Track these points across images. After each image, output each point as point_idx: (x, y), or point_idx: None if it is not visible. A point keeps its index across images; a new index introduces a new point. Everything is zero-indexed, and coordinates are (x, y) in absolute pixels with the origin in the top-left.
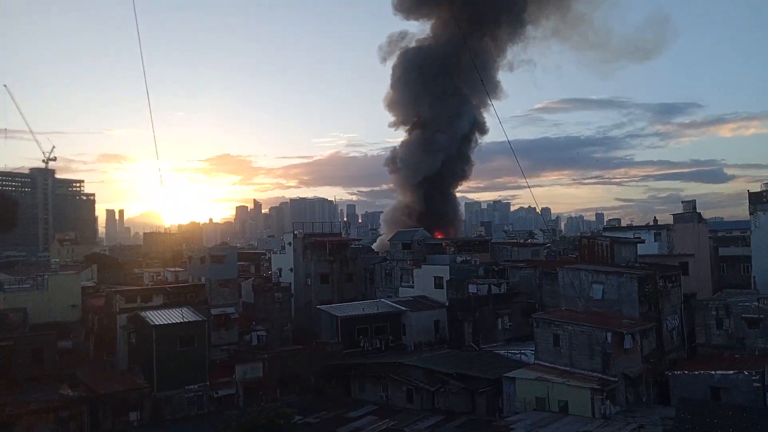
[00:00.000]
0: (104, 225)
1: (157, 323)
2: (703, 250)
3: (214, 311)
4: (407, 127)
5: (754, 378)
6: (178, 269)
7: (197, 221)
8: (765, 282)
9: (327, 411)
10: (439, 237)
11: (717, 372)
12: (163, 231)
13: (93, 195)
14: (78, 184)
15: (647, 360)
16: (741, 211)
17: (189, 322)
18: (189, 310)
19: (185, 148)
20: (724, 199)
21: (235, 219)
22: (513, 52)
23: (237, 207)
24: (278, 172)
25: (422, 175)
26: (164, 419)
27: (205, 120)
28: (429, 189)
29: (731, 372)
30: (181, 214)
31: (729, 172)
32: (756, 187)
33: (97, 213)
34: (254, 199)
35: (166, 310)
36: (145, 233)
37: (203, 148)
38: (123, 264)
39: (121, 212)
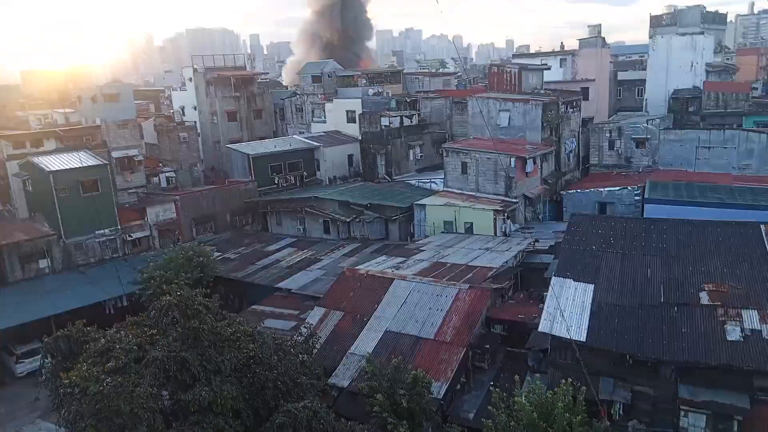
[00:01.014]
0: None
1: (54, 169)
2: (604, 75)
3: (115, 154)
4: None
5: (635, 192)
6: (68, 110)
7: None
8: (655, 104)
9: (245, 247)
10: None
11: (605, 189)
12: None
13: None
14: None
15: (545, 181)
16: (642, 35)
17: (89, 166)
18: (87, 153)
19: None
20: (630, 23)
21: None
22: None
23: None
24: None
25: None
26: (78, 264)
27: None
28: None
29: (617, 188)
30: (61, 50)
31: None
32: (659, 11)
33: None
34: (144, 31)
35: (61, 155)
36: (22, 71)
37: None
38: (1, 106)
39: None
